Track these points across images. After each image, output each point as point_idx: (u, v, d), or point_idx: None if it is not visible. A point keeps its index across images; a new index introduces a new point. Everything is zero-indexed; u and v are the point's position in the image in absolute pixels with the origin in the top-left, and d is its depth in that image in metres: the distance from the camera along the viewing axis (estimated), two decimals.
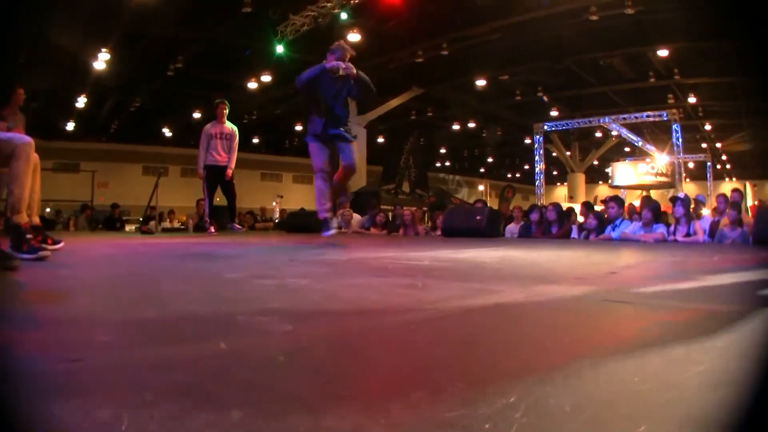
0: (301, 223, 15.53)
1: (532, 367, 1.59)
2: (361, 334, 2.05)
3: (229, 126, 12.88)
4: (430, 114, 36.95)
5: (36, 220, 6.03)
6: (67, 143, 37.26)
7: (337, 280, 3.96)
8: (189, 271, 4.69)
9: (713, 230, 11.79)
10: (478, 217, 12.61)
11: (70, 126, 35.14)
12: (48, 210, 26.79)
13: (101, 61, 23.49)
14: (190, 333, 1.99)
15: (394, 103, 31.47)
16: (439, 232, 14.16)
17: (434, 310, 2.48)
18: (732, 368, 1.61)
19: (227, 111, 12.91)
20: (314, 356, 1.72)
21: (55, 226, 20.95)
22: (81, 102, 29.68)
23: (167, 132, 38.62)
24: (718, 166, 43.46)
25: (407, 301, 2.81)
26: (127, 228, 20.83)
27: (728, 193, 13.78)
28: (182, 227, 21.39)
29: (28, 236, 5.04)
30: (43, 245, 5.39)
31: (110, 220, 20.85)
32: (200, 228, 17.09)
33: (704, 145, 39.67)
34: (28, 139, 5.32)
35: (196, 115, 32.37)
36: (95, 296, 3.13)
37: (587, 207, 14.47)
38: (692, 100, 30.53)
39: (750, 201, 21.85)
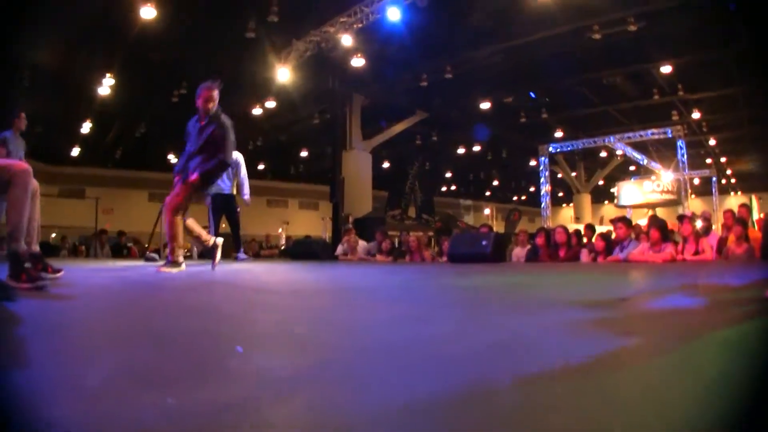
0: (305, 251, 15.48)
1: None
2: (361, 377, 1.94)
3: (235, 154, 12.83)
4: (435, 138, 36.99)
5: (35, 248, 5.98)
6: (73, 168, 37.44)
7: (339, 313, 3.85)
8: (187, 304, 4.60)
9: (720, 247, 11.72)
10: (483, 243, 12.54)
11: (75, 151, 35.22)
12: (53, 236, 26.82)
13: (106, 86, 23.54)
14: (176, 377, 1.88)
15: (399, 128, 31.53)
16: (445, 258, 14.09)
17: (438, 346, 2.36)
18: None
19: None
20: (305, 409, 1.62)
21: (60, 252, 20.94)
22: (86, 127, 29.75)
23: (173, 158, 38.68)
24: (723, 181, 43.40)
25: (410, 335, 2.69)
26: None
27: (735, 209, 13.71)
28: (187, 254, 21.33)
29: (27, 265, 4.96)
30: (43, 274, 5.31)
31: (117, 247, 20.90)
32: (205, 255, 17.04)
33: (709, 161, 39.62)
34: (26, 166, 5.23)
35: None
36: (88, 331, 3.04)
37: (590, 229, 14.42)
38: (696, 115, 30.64)
39: (756, 214, 21.77)
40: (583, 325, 3.07)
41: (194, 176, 8.31)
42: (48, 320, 3.41)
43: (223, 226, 13.39)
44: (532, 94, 27.60)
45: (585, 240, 14.10)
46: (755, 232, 12.39)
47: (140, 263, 13.42)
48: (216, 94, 8.73)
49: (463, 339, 2.56)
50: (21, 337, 2.78)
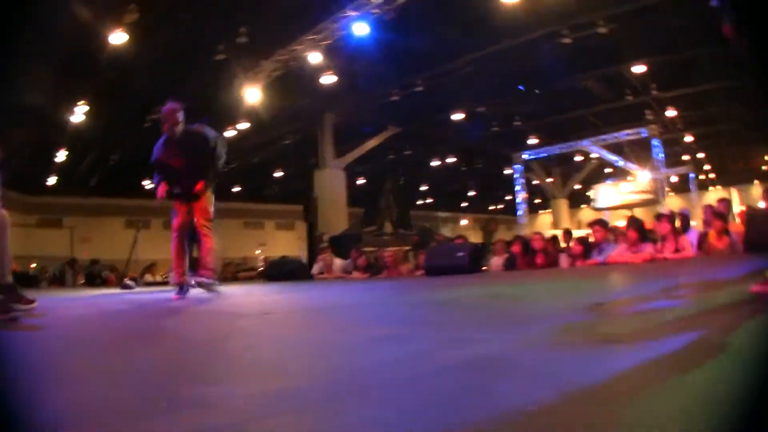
0: (282, 271, 15.46)
1: None
2: (320, 403, 1.91)
3: None
4: (408, 152, 37.02)
5: (8, 279, 5.92)
6: (50, 198, 37.29)
7: (305, 337, 3.82)
8: (156, 334, 4.56)
9: (701, 243, 11.74)
10: (460, 254, 12.54)
11: (52, 180, 35.09)
12: (33, 266, 26.71)
13: (79, 114, 23.45)
14: (135, 410, 1.86)
15: (371, 144, 31.53)
16: (422, 272, 14.05)
17: (404, 369, 2.33)
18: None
19: None
20: None
21: (40, 282, 20.83)
22: (61, 156, 29.64)
23: (148, 185, 38.56)
24: (702, 177, 43.51)
25: (375, 359, 2.66)
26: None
27: (714, 204, 13.75)
28: (165, 279, 21.27)
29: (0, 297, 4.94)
30: (15, 306, 5.27)
31: (90, 276, 20.81)
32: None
33: (686, 157, 39.73)
34: None
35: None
36: (52, 363, 2.99)
37: (567, 234, 14.44)
38: (672, 113, 30.64)
39: (737, 207, 21.83)
40: (558, 336, 3.06)
41: (199, 185, 8.30)
42: (11, 352, 3.38)
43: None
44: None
45: (563, 245, 14.11)
46: (737, 226, 12.43)
47: (117, 291, 13.36)
48: (180, 114, 8.74)
49: (435, 359, 2.53)
50: None
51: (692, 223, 15.35)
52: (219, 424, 1.67)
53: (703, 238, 11.95)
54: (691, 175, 38.35)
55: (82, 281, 20.77)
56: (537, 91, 26.65)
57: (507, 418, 1.59)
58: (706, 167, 43.77)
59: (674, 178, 39.59)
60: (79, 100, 22.89)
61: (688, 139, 36.63)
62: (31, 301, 6.13)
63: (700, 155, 41.06)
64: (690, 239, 11.76)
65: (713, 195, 38.39)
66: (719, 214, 12.06)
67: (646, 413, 1.59)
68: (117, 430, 1.65)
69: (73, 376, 2.61)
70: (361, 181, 40.43)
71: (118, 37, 17.64)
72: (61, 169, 33.13)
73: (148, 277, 21.16)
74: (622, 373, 2.07)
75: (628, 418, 1.57)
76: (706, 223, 12.75)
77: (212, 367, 2.65)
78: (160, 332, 4.68)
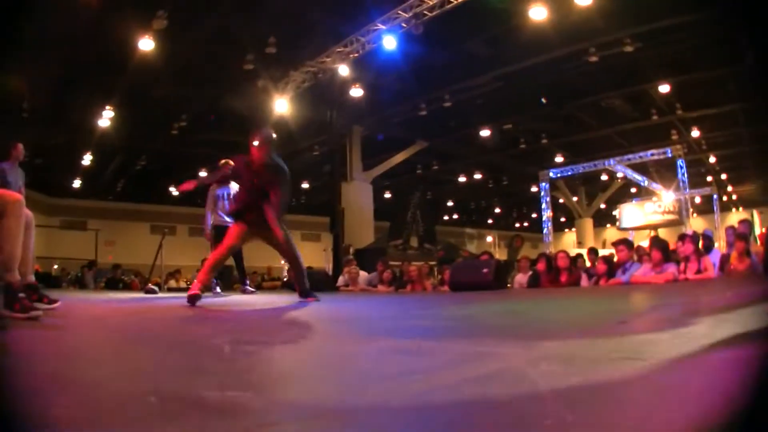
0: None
1: None
2: (337, 413, 1.88)
3: (236, 187, 12.83)
4: (435, 167, 37.03)
5: (31, 278, 5.92)
6: (75, 201, 37.56)
7: (328, 346, 3.82)
8: (177, 337, 4.56)
9: (723, 264, 11.64)
10: (484, 270, 12.51)
11: (77, 183, 35.30)
12: (55, 267, 26.83)
13: (105, 118, 23.59)
14: (147, 412, 1.84)
15: (399, 158, 31.55)
16: (446, 287, 14.02)
17: (425, 382, 2.30)
18: None
19: None
20: None
21: (61, 283, 20.91)
22: (87, 160, 29.80)
23: (174, 191, 38.74)
24: (725, 198, 43.22)
25: (396, 370, 2.63)
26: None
27: (736, 225, 13.66)
28: (188, 286, 21.32)
29: (21, 295, 4.93)
30: (36, 305, 5.27)
31: (112, 281, 20.89)
32: (207, 288, 17.02)
33: (709, 179, 39.48)
34: (19, 196, 5.24)
35: (202, 173, 32.50)
36: (70, 363, 2.99)
37: (593, 253, 14.36)
38: (696, 133, 30.52)
39: (758, 229, 21.67)
40: (579, 350, 3.03)
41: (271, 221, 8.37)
42: (30, 351, 3.38)
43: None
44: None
45: (588, 264, 14.05)
46: (757, 247, 12.36)
47: (140, 295, 13.39)
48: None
49: (449, 372, 2.50)
50: None
51: (714, 244, 15.24)
52: (230, 428, 1.65)
53: (725, 259, 11.85)
54: (714, 196, 38.10)
55: (102, 285, 20.84)
56: (562, 109, 26.54)
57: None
58: (729, 188, 43.48)
59: (698, 199, 39.33)
60: (107, 105, 23.00)
61: (712, 160, 36.44)
62: (54, 301, 6.14)
63: (723, 176, 40.79)
64: (712, 260, 11.68)
65: (735, 217, 38.16)
66: (741, 235, 11.96)
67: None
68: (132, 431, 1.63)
69: (91, 376, 2.59)
70: (387, 195, 40.45)
71: (146, 44, 17.71)
72: (86, 173, 33.36)
73: (172, 283, 21.23)
74: (637, 385, 2.07)
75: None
76: (729, 244, 12.67)
77: (229, 373, 2.63)
78: (180, 336, 4.68)
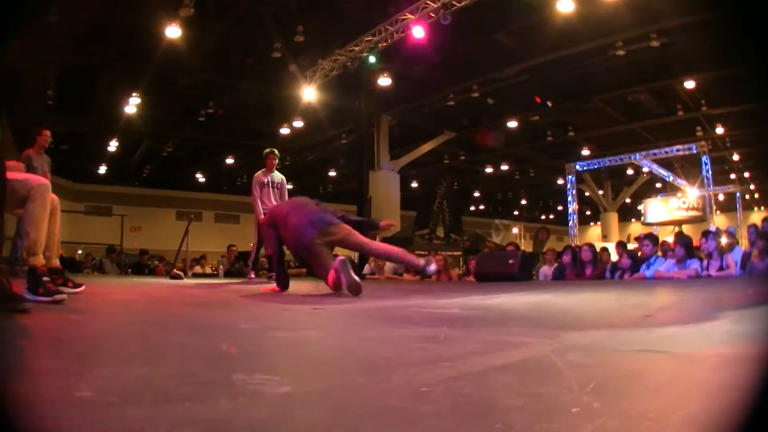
0: None
1: None
2: (363, 398, 1.86)
3: (279, 175, 12.92)
4: (462, 158, 36.95)
5: (55, 262, 5.94)
6: (100, 186, 37.77)
7: (354, 333, 3.81)
8: (202, 321, 4.56)
9: (744, 262, 11.59)
10: (510, 261, 12.53)
11: (103, 169, 35.49)
12: (80, 252, 26.95)
13: (132, 105, 23.67)
14: (174, 394, 1.83)
15: (426, 147, 31.51)
16: (472, 277, 14.02)
17: (451, 368, 2.28)
18: None
19: (276, 161, 12.93)
20: (301, 429, 1.55)
21: (83, 269, 21.01)
22: (113, 146, 29.94)
23: (200, 177, 38.89)
24: (747, 196, 42.90)
25: (423, 356, 2.60)
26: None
27: (759, 223, 13.56)
28: (213, 273, 21.41)
29: (45, 279, 4.94)
30: (61, 288, 5.28)
31: (138, 266, 20.99)
32: (231, 273, 17.16)
33: (733, 176, 39.21)
34: (45, 181, 5.24)
35: (229, 161, 32.60)
36: (94, 345, 3.02)
37: (621, 246, 14.30)
38: (720, 130, 30.23)
39: None
40: (605, 342, 3.01)
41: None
42: (54, 334, 3.40)
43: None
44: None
45: (616, 258, 14.01)
46: None
47: (165, 280, 13.49)
48: None
49: (476, 360, 2.48)
50: (20, 349, 2.77)
51: (737, 242, 15.15)
52: (253, 412, 1.65)
53: (746, 257, 11.79)
54: (737, 194, 37.84)
55: (129, 270, 20.92)
56: (589, 103, 26.39)
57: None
58: (752, 187, 43.16)
59: (721, 197, 39.06)
60: (133, 92, 23.08)
61: (735, 158, 36.17)
62: (79, 285, 6.16)
63: (746, 175, 40.50)
64: (734, 258, 11.63)
65: (757, 215, 37.92)
66: (763, 233, 11.88)
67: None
68: (158, 411, 1.63)
69: (116, 358, 2.60)
70: (414, 185, 40.43)
71: (173, 31, 17.72)
72: (112, 159, 33.54)
73: (198, 269, 21.31)
74: (662, 378, 2.07)
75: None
76: (751, 242, 12.60)
77: (255, 357, 2.62)
78: (206, 320, 4.68)
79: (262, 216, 12.54)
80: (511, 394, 1.85)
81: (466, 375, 2.15)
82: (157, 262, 22.70)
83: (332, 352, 2.91)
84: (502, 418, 1.58)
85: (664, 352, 2.69)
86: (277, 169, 12.99)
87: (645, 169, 36.70)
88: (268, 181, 12.74)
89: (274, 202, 12.60)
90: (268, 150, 13.19)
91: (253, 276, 12.97)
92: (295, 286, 8.38)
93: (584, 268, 13.06)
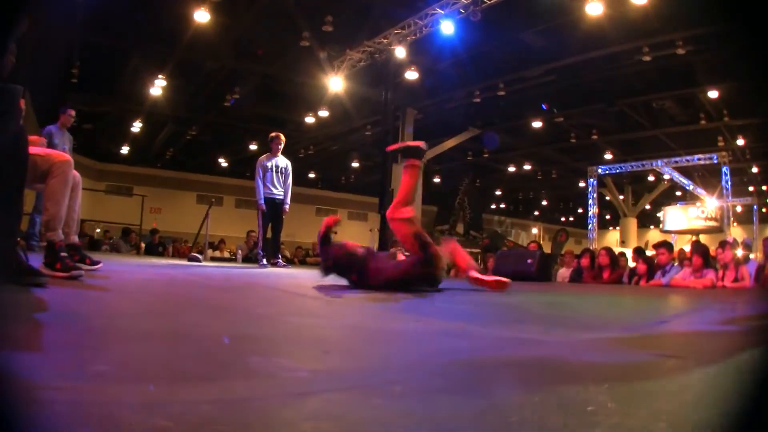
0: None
1: None
2: (377, 387, 1.86)
3: (284, 160, 12.95)
4: (486, 155, 36.88)
5: (74, 239, 5.97)
6: (122, 167, 37.92)
7: (371, 324, 3.82)
8: (219, 304, 4.58)
9: (758, 274, 11.59)
10: (529, 261, 12.52)
11: (125, 150, 35.64)
12: (98, 230, 27.12)
13: (158, 87, 23.74)
14: (190, 373, 1.84)
15: (450, 143, 31.40)
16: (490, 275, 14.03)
17: (468, 363, 2.28)
18: None
19: (282, 145, 12.94)
20: (316, 411, 1.55)
21: (101, 246, 21.13)
22: (136, 127, 30.04)
23: (223, 162, 38.97)
24: (764, 209, 42.73)
25: (440, 349, 2.62)
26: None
27: None
28: (232, 257, 21.49)
29: (63, 254, 4.97)
30: (78, 265, 5.30)
31: (150, 246, 21.13)
32: (249, 259, 17.18)
33: (751, 188, 39.06)
34: (67, 157, 5.27)
35: (252, 147, 32.65)
36: (111, 321, 3.05)
37: (638, 253, 14.29)
38: (740, 142, 30.00)
39: None
40: (620, 344, 3.01)
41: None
42: (71, 308, 3.44)
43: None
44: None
45: (633, 264, 14.00)
46: None
47: (183, 262, 13.55)
48: None
49: (493, 355, 2.50)
50: (37, 322, 2.79)
51: (751, 254, 15.16)
52: (269, 393, 1.66)
53: (760, 270, 11.79)
54: (755, 206, 37.70)
55: (143, 249, 21.09)
56: (613, 107, 26.28)
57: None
58: None
59: (738, 208, 38.88)
60: (159, 73, 23.15)
61: (754, 170, 35.99)
62: (96, 263, 6.20)
63: (764, 188, 40.31)
64: (749, 270, 11.63)
65: None
66: None
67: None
68: (174, 388, 1.63)
69: (134, 334, 2.61)
70: (436, 180, 40.38)
71: (201, 16, 17.75)
72: (135, 140, 33.66)
73: (216, 253, 21.41)
74: (675, 382, 2.06)
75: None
76: (766, 255, 12.61)
77: (271, 341, 2.64)
78: (223, 303, 4.72)
79: (262, 203, 12.63)
80: (527, 390, 1.85)
81: (481, 369, 2.16)
82: (169, 245, 22.86)
83: (349, 341, 2.92)
84: (517, 413, 1.58)
85: (678, 356, 2.68)
86: (284, 155, 13.02)
87: (666, 177, 36.53)
88: (272, 166, 12.81)
89: (278, 188, 12.68)
90: (274, 134, 13.23)
91: (265, 262, 12.96)
92: (313, 276, 8.38)
93: (602, 272, 13.05)
